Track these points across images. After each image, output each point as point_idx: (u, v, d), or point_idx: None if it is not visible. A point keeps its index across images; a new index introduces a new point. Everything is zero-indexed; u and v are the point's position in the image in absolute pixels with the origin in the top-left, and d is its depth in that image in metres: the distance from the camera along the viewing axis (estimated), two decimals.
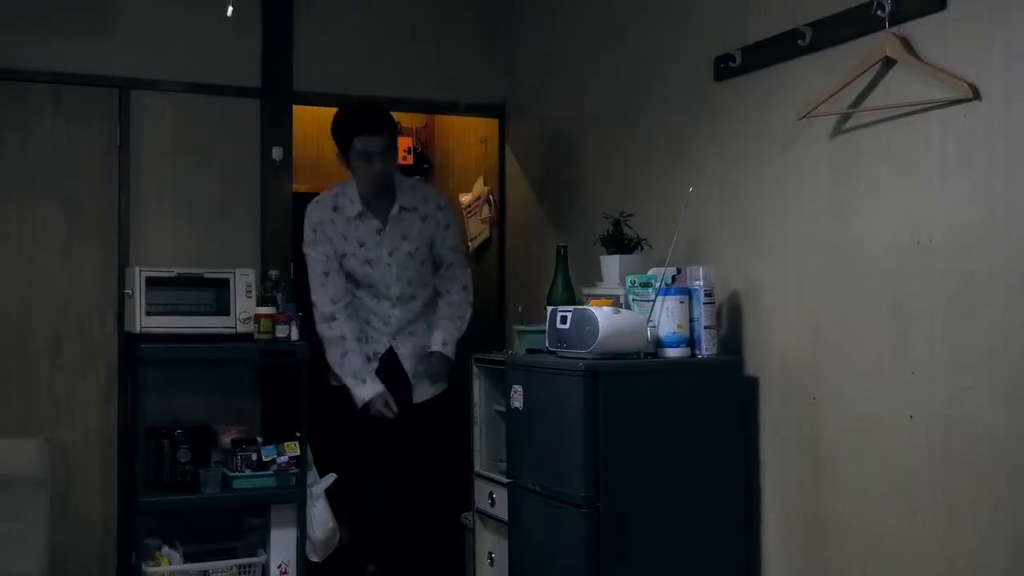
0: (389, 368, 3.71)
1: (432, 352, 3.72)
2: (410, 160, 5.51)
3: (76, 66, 3.83)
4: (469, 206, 4.88)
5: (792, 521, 2.86)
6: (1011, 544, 2.25)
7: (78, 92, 3.85)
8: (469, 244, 4.89)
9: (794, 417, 2.84)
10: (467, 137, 5.04)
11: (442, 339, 3.73)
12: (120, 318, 3.84)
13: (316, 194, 3.82)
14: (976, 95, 2.31)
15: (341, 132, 3.59)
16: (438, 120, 5.45)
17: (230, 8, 3.02)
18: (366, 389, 3.62)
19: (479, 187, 4.80)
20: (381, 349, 3.70)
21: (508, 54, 4.44)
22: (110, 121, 3.88)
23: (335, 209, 3.60)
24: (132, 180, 3.90)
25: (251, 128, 4.07)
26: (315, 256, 3.63)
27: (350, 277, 3.66)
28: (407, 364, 3.72)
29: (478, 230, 4.80)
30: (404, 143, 5.53)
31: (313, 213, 3.63)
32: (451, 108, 4.53)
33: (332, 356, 3.65)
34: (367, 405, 3.63)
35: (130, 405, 3.83)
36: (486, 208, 4.71)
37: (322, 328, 3.64)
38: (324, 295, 3.62)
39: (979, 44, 2.31)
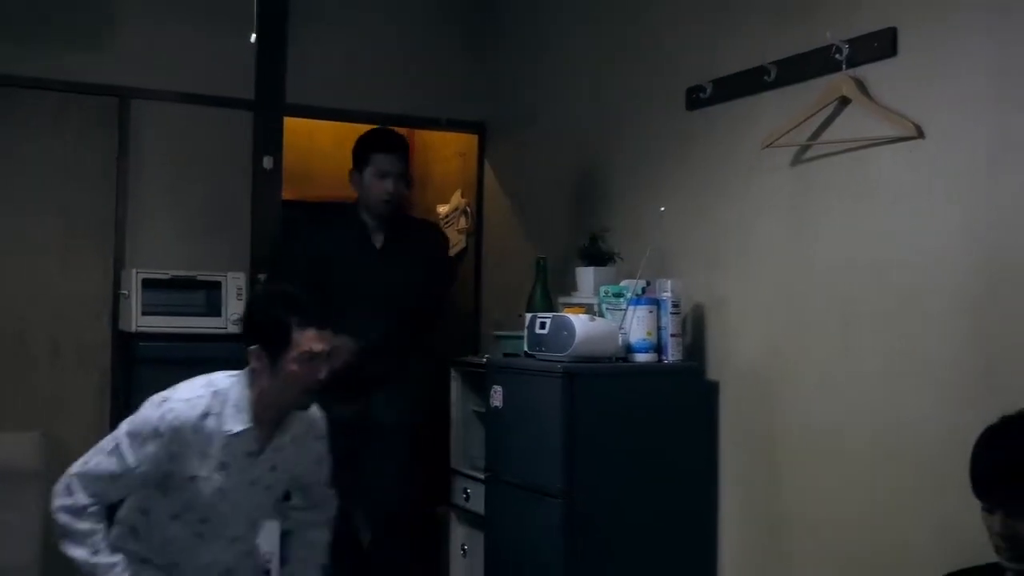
0: None
1: None
2: None
3: (78, 75, 3.95)
4: (446, 217, 5.08)
5: (749, 512, 3.10)
6: (937, 535, 2.48)
7: (80, 100, 3.96)
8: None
9: (751, 418, 3.08)
10: (446, 150, 5.20)
11: None
12: (115, 318, 3.98)
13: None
14: (920, 134, 2.56)
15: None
16: (418, 133, 5.60)
17: (253, 35, 3.21)
18: None
19: (456, 199, 4.99)
20: None
21: (490, 74, 4.60)
22: (110, 129, 4.01)
23: (204, 417, 2.53)
24: (130, 186, 4.04)
25: (244, 138, 4.22)
26: (130, 456, 2.49)
27: (171, 508, 2.60)
28: None
29: (455, 240, 5.00)
30: None
31: (171, 415, 2.51)
32: (433, 124, 4.70)
33: (78, 551, 2.49)
34: None
35: (123, 401, 3.93)
36: (463, 219, 4.90)
37: (64, 517, 2.48)
38: (94, 490, 2.50)
39: (924, 88, 2.57)
